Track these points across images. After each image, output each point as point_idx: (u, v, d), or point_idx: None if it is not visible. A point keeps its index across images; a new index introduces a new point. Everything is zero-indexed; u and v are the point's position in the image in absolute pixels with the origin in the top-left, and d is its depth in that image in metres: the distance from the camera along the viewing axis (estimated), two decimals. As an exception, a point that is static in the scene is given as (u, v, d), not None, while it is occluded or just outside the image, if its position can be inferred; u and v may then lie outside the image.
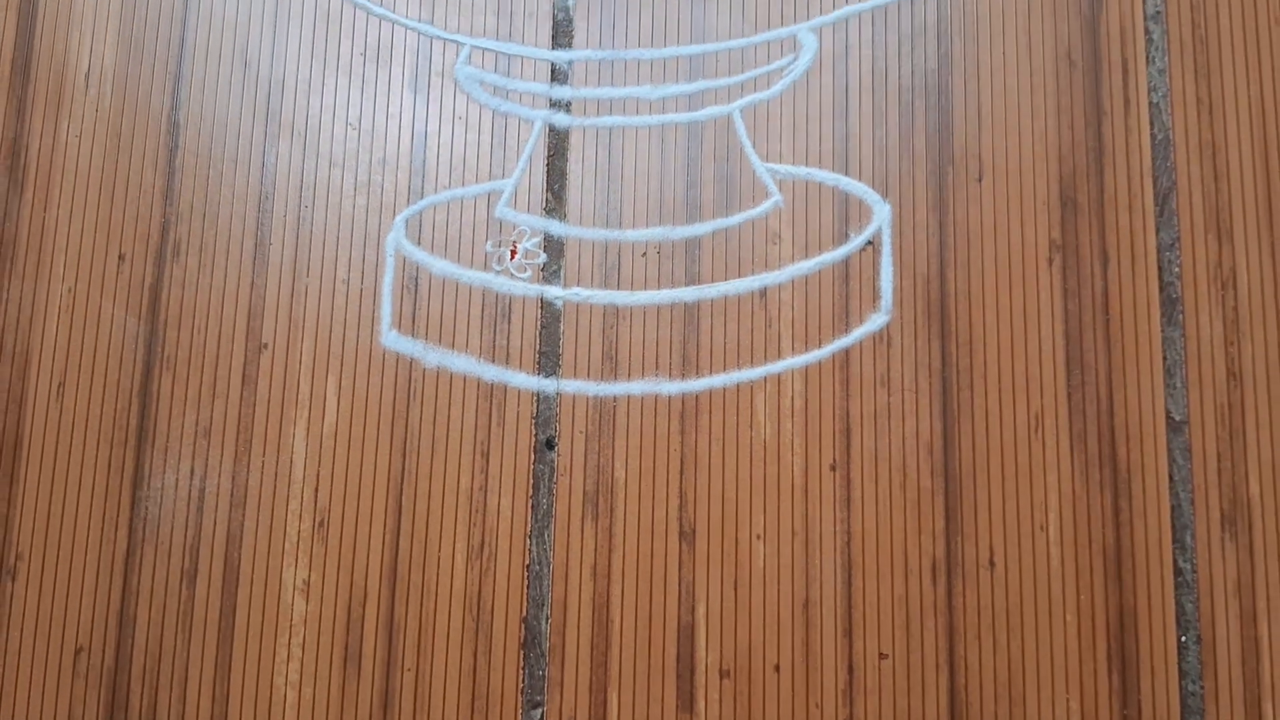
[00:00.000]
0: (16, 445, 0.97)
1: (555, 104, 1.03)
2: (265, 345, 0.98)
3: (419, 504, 0.96)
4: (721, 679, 0.94)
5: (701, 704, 0.93)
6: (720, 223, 1.01)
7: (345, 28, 1.04)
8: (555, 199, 1.02)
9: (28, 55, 1.04)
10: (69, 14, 1.04)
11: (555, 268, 1.00)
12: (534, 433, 0.97)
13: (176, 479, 0.96)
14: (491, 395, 0.98)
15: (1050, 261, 0.99)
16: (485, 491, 0.96)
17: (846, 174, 1.02)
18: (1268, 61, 1.03)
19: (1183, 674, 0.93)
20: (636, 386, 0.98)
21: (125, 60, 1.03)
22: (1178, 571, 0.95)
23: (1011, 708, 0.93)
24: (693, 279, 1.00)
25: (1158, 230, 1.00)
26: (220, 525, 0.96)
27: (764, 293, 1.00)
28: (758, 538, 0.96)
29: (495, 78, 1.03)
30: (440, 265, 1.00)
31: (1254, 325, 0.98)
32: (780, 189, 1.01)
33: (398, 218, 1.01)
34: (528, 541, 0.95)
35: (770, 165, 1.02)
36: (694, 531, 0.96)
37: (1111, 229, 1.00)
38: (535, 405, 0.98)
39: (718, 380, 0.98)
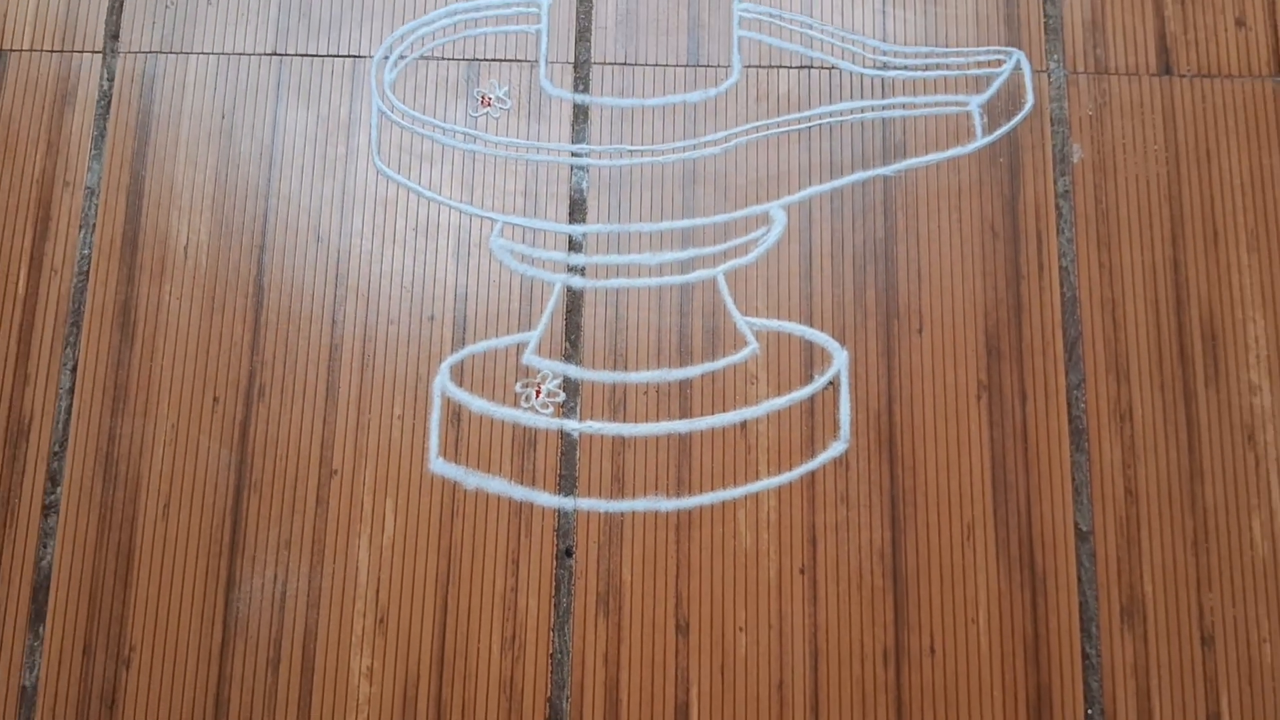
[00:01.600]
0: (130, 556, 1.23)
1: (572, 269, 1.31)
2: (335, 471, 1.25)
3: (461, 603, 1.22)
4: (711, 748, 1.19)
5: (695, 769, 1.18)
6: (707, 366, 1.28)
7: (400, 208, 1.32)
8: (572, 347, 1.29)
9: (136, 231, 1.32)
10: (170, 196, 1.32)
11: (572, 405, 1.27)
12: (556, 543, 1.23)
13: (262, 583, 1.22)
14: (520, 512, 1.24)
15: (978, 399, 1.26)
16: (515, 592, 1.22)
17: (811, 326, 1.29)
18: (1157, 232, 1.30)
19: (1090, 742, 1.18)
20: (640, 504, 1.24)
21: (217, 235, 1.31)
22: (1085, 656, 1.20)
23: (948, 771, 1.18)
24: (685, 413, 1.27)
25: (1067, 373, 1.27)
26: (299, 622, 1.21)
27: (744, 425, 1.26)
28: (740, 630, 1.21)
29: (523, 248, 1.31)
30: (478, 403, 1.27)
31: (1147, 452, 1.25)
32: (756, 338, 1.29)
33: (443, 364, 1.28)
34: (551, 634, 1.21)
35: (748, 319, 1.29)
36: (688, 625, 1.21)
37: (1029, 372, 1.27)
38: (557, 520, 1.24)
39: (706, 498, 1.25)
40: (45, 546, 1.23)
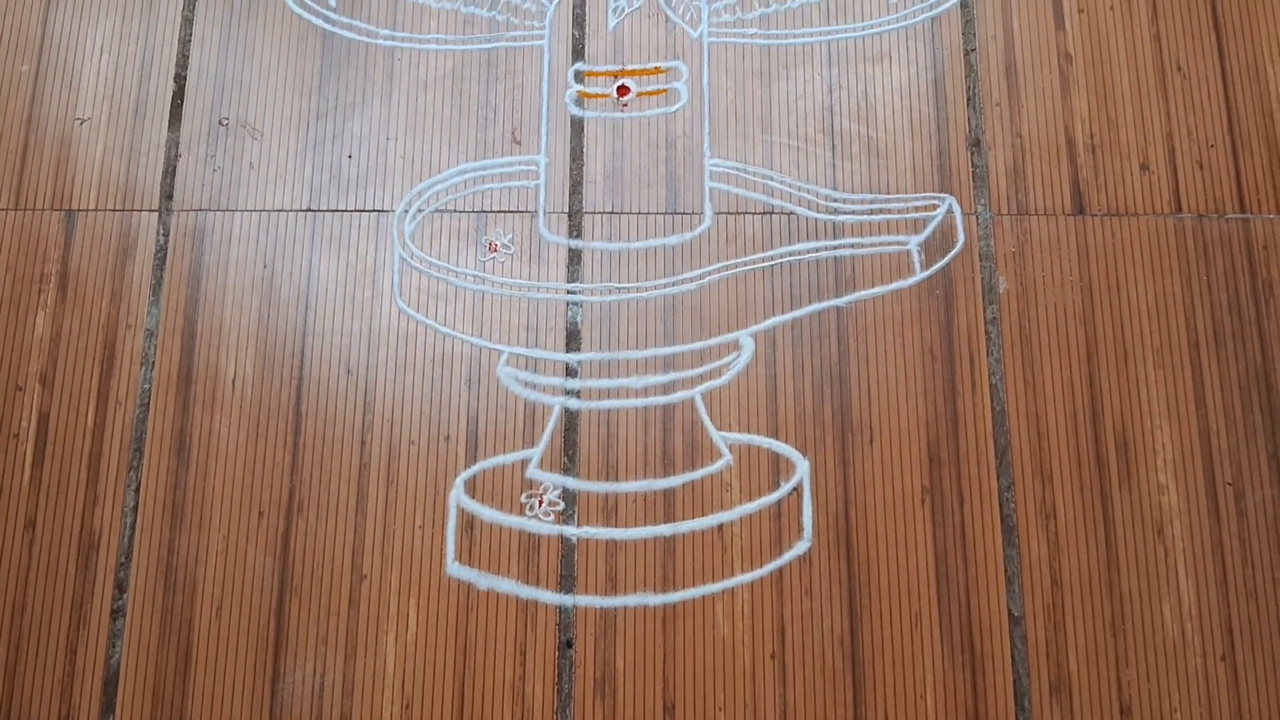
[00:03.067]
0: (188, 653, 1.45)
1: (569, 392, 1.54)
2: (365, 576, 1.47)
3: (477, 691, 1.44)
4: (696, 815, 1.40)
5: (682, 833, 1.40)
6: (688, 476, 1.51)
7: (419, 342, 1.56)
8: (570, 462, 1.52)
9: (190, 367, 1.55)
10: (219, 336, 1.57)
11: (571, 512, 1.50)
12: (558, 636, 1.46)
13: (304, 675, 1.44)
14: (527, 609, 1.46)
15: (923, 502, 1.49)
16: (524, 680, 1.44)
17: (777, 439, 1.52)
18: (1074, 353, 1.55)
19: (1025, 803, 1.40)
20: (631, 600, 1.47)
21: (261, 369, 1.55)
22: (1020, 727, 1.42)
23: (902, 831, 1.39)
24: (669, 518, 1.50)
25: (998, 477, 1.50)
26: (336, 709, 1.43)
27: (720, 528, 1.49)
28: (720, 710, 1.43)
29: (526, 375, 1.55)
30: (489, 513, 1.50)
31: (1070, 545, 1.48)
32: (730, 451, 1.52)
33: (458, 479, 1.51)
34: (555, 718, 1.43)
35: (722, 433, 1.53)
36: (674, 707, 1.43)
37: (965, 477, 1.50)
38: (559, 615, 1.46)
39: (688, 593, 1.47)
40: (114, 646, 1.45)
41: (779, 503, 1.50)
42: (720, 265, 1.59)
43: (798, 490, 1.50)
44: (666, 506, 1.50)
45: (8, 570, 1.48)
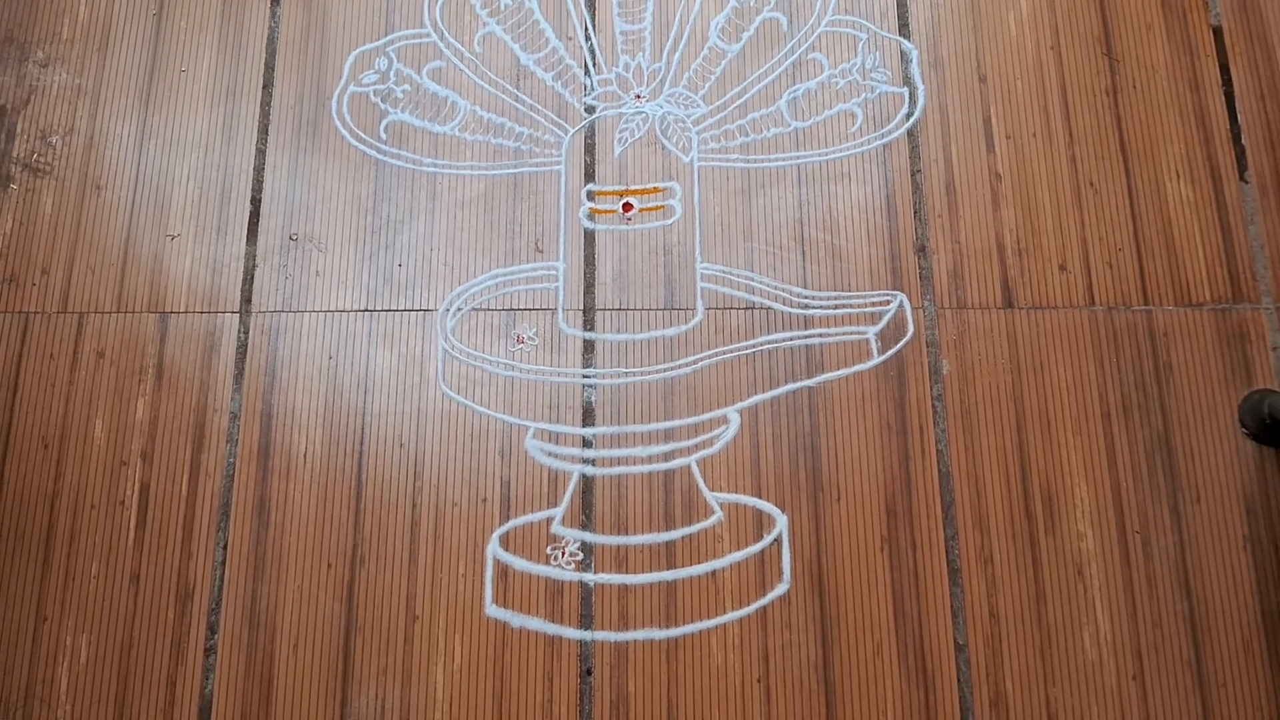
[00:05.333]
0: (270, 685, 1.77)
1: (586, 461, 1.89)
2: (418, 616, 1.81)
3: (512, 713, 1.76)
4: (697, 815, 1.72)
5: (685, 829, 1.71)
6: (686, 530, 1.85)
7: (459, 420, 1.91)
8: (588, 519, 1.86)
9: (268, 444, 1.90)
10: (292, 418, 1.91)
11: (589, 562, 1.84)
12: (579, 666, 1.78)
13: (368, 701, 1.76)
14: (553, 643, 1.79)
15: (882, 550, 1.84)
16: (551, 703, 1.77)
17: (760, 497, 1.87)
18: (1006, 423, 1.90)
19: (970, 800, 1.72)
20: (640, 634, 1.80)
21: (328, 445, 1.90)
22: (965, 737, 1.75)
23: (868, 824, 1.71)
24: (671, 566, 1.84)
25: (944, 528, 1.85)
26: (394, 729, 1.75)
27: (713, 573, 1.83)
28: (715, 725, 1.76)
29: (549, 446, 1.90)
30: (521, 563, 1.83)
31: (1005, 584, 1.82)
32: (721, 508, 1.86)
33: (493, 534, 1.85)
34: (578, 733, 1.75)
35: (714, 494, 1.87)
36: (677, 723, 1.76)
37: (918, 528, 1.85)
38: (579, 648, 1.79)
39: (688, 629, 1.80)
40: (208, 679, 1.78)
41: (762, 552, 1.84)
42: (711, 352, 1.95)
43: (778, 541, 1.84)
44: (669, 556, 1.84)
45: (116, 616, 1.81)
